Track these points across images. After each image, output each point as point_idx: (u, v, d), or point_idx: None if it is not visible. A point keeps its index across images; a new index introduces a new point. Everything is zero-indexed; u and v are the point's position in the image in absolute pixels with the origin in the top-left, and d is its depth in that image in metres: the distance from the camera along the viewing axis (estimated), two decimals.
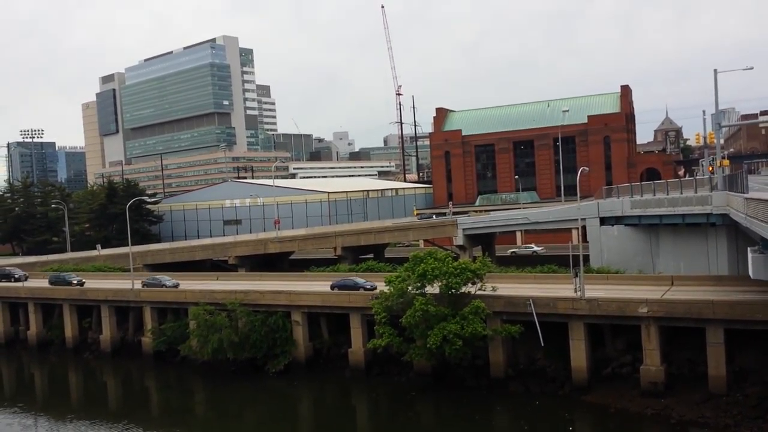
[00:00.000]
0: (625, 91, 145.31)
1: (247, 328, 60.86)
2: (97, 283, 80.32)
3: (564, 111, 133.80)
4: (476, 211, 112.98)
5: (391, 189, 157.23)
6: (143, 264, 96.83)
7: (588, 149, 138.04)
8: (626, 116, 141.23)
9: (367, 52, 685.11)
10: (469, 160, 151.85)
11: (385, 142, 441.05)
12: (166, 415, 56.42)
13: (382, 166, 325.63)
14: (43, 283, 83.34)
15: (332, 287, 63.57)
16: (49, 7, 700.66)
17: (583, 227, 71.94)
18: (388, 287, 53.74)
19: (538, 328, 49.33)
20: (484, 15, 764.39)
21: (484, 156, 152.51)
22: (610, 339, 49.94)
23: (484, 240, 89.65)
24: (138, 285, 72.89)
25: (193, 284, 74.40)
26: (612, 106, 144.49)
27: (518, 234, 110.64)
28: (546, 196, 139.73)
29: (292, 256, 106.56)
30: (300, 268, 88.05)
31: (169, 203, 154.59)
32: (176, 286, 71.86)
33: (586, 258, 65.96)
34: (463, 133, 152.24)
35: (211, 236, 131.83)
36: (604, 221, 72.12)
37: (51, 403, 61.67)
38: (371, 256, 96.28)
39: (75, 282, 78.40)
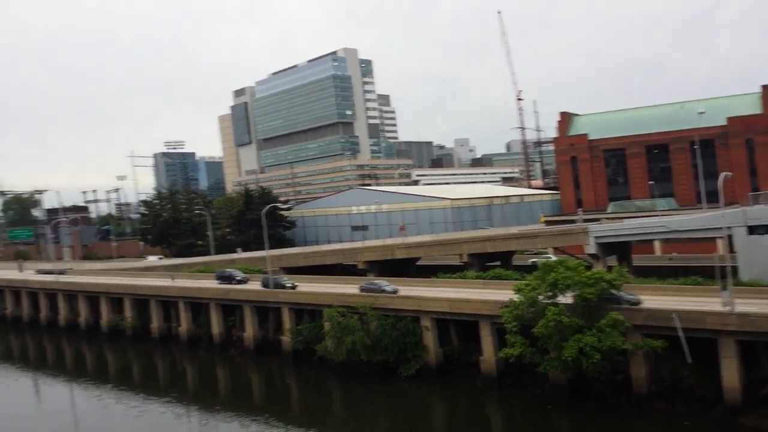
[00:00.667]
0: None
1: (378, 332, 62.59)
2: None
3: (700, 113, 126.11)
4: (608, 219, 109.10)
5: (516, 195, 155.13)
6: (279, 267, 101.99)
7: (729, 153, 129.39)
8: None
9: (485, 57, 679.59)
10: (597, 166, 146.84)
11: (508, 147, 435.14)
12: (305, 412, 59.39)
13: (505, 173, 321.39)
14: (193, 283, 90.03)
15: None
16: (186, 24, 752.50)
17: (729, 236, 67.76)
18: (517, 296, 53.37)
19: (684, 343, 47.05)
20: (607, 16, 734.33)
21: (614, 161, 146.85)
22: (766, 358, 46.79)
23: (618, 249, 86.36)
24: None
25: (325, 287, 77.43)
26: (753, 107, 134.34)
27: (657, 243, 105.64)
28: (685, 202, 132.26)
29: (419, 262, 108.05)
30: (427, 274, 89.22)
31: (301, 209, 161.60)
32: (395, 292, 67.14)
33: (734, 270, 62.03)
34: (590, 138, 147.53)
35: (340, 241, 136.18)
36: (752, 230, 67.52)
37: (200, 395, 66.58)
38: (498, 263, 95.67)
39: (289, 285, 77.05)
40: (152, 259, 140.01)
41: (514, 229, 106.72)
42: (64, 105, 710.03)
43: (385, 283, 70.46)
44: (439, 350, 62.33)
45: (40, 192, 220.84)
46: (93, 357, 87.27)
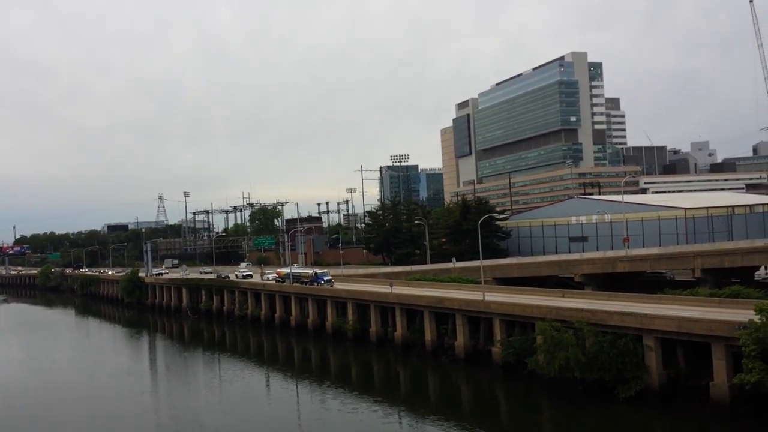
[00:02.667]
0: None
1: (594, 349, 59.10)
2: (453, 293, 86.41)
3: None
4: None
5: (763, 204, 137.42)
6: (492, 277, 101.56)
7: None
8: None
9: (732, 52, 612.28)
10: None
11: (755, 150, 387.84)
12: (514, 427, 57.96)
13: (751, 179, 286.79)
14: (409, 290, 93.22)
15: None
16: (416, 44, 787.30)
17: None
18: (759, 316, 47.27)
19: None
20: None
21: None
22: None
23: None
24: (489, 297, 75.23)
25: (538, 299, 75.30)
26: None
27: None
28: None
29: (643, 277, 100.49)
30: (652, 290, 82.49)
31: (516, 220, 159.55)
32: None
33: None
34: None
35: (556, 253, 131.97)
36: None
37: (410, 399, 68.18)
38: (738, 280, 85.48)
39: None
40: (243, 266, 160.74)
41: (759, 242, 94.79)
42: (307, 123, 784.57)
43: None
44: (663, 372, 57.09)
45: (281, 204, 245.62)
46: (317, 356, 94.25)
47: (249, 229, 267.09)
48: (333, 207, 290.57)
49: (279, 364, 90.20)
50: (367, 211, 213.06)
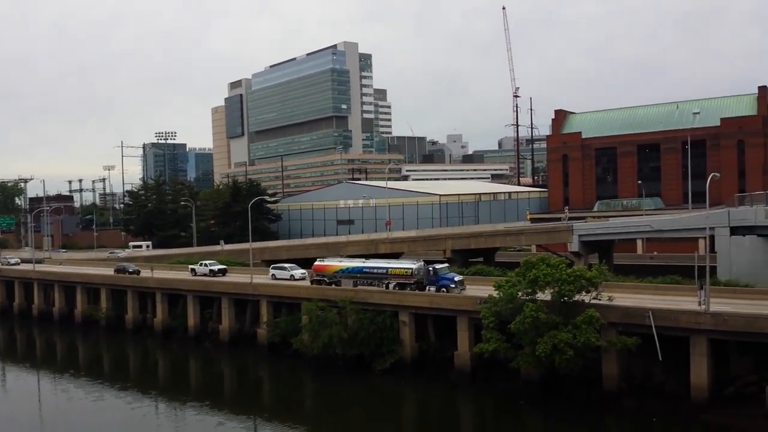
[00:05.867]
0: (763, 93, 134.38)
1: (356, 326, 61.78)
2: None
3: (694, 113, 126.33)
4: (594, 217, 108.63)
5: (504, 192, 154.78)
6: (261, 260, 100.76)
7: (719, 154, 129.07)
8: (764, 119, 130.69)
9: (487, 55, 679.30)
10: (588, 164, 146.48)
11: (500, 144, 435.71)
12: (276, 404, 58.55)
13: (496, 170, 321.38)
14: (171, 274, 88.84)
15: None
16: (190, 18, 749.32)
17: (711, 237, 67.19)
18: (497, 292, 52.75)
19: (657, 341, 46.41)
20: (615, 16, 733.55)
21: (605, 159, 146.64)
22: (736, 357, 46.23)
23: (601, 247, 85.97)
24: (257, 279, 74.70)
25: (306, 281, 76.35)
26: (748, 109, 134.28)
27: (639, 242, 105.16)
28: (672, 202, 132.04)
29: (402, 257, 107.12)
30: None
31: (288, 203, 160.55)
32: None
33: (713, 270, 61.49)
34: (583, 136, 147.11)
35: (325, 235, 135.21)
36: (734, 231, 67.03)
37: (170, 387, 65.58)
38: (481, 259, 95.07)
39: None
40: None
41: (500, 226, 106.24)
42: (64, 96, 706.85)
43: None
44: (415, 345, 61.58)
45: (24, 180, 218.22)
46: (64, 347, 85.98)
47: None
48: (88, 185, 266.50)
49: (16, 357, 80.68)
50: (127, 191, 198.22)
